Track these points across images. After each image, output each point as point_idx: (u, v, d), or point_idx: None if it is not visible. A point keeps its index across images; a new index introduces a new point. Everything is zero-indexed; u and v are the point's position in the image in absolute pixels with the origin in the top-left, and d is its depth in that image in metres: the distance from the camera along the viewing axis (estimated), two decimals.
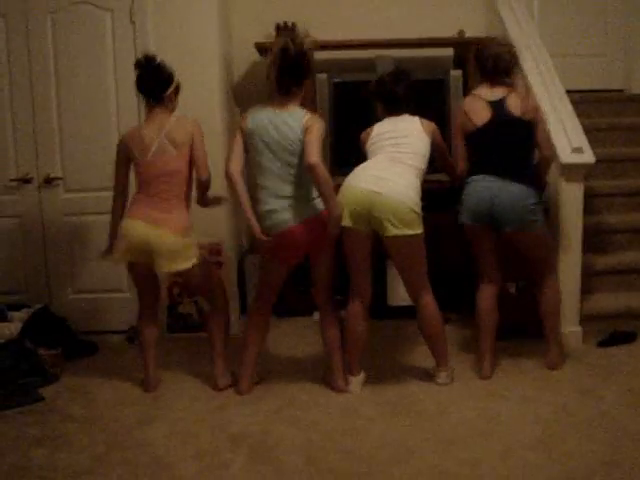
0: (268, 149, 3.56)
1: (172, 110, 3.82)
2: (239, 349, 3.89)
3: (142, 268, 3.81)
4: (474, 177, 3.93)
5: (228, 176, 3.59)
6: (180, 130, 3.71)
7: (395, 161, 3.73)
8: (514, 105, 3.88)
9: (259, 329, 3.87)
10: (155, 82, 3.74)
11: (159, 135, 3.70)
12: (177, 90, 3.85)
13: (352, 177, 3.76)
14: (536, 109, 3.99)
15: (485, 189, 3.85)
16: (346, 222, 3.67)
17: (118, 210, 3.86)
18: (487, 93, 3.94)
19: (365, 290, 3.88)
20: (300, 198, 3.58)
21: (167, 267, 3.70)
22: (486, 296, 4.02)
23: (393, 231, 3.65)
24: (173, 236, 3.66)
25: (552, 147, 4.14)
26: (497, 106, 3.88)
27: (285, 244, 3.61)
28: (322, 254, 3.72)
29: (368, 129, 3.94)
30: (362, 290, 3.87)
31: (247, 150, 3.65)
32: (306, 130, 3.49)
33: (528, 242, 3.94)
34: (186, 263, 3.72)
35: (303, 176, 3.55)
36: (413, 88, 3.90)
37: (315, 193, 3.56)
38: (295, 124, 3.52)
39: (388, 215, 3.63)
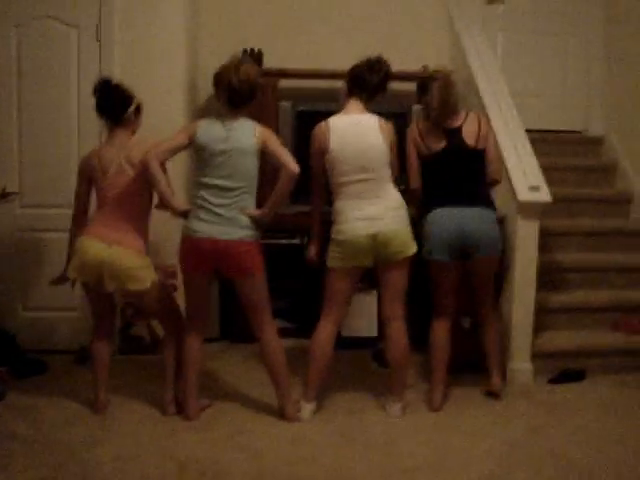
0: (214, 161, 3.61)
1: (134, 131, 3.82)
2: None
3: (97, 288, 3.76)
4: (435, 211, 3.92)
5: (147, 161, 3.57)
6: (139, 152, 3.68)
7: (371, 191, 3.72)
8: (469, 134, 3.93)
9: (197, 351, 3.82)
10: (113, 103, 3.74)
11: (118, 156, 3.69)
12: (138, 110, 3.84)
13: (346, 226, 3.72)
14: (488, 134, 4.03)
15: (451, 220, 3.87)
16: (347, 264, 3.75)
17: (77, 229, 3.82)
18: (443, 120, 3.96)
19: (343, 317, 3.92)
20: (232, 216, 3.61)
21: (118, 287, 3.67)
22: (440, 330, 4.03)
23: (396, 257, 3.73)
24: (128, 256, 3.64)
25: (501, 172, 4.19)
26: (453, 135, 3.92)
27: (194, 252, 3.62)
28: (249, 279, 3.68)
29: (322, 124, 3.82)
30: (339, 317, 3.88)
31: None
32: (264, 142, 3.62)
33: (493, 265, 4.03)
34: (140, 284, 3.69)
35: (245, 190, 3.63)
36: (386, 79, 3.84)
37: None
38: (247, 135, 3.63)
39: (391, 247, 3.71)
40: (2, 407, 3.96)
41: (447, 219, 3.88)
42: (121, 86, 3.79)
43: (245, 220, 3.60)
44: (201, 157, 3.65)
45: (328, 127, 3.78)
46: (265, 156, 3.67)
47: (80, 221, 3.84)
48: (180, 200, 3.74)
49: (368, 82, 3.79)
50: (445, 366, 4.04)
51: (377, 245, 3.70)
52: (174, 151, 3.66)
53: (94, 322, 3.91)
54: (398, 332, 3.85)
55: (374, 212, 3.70)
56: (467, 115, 4.00)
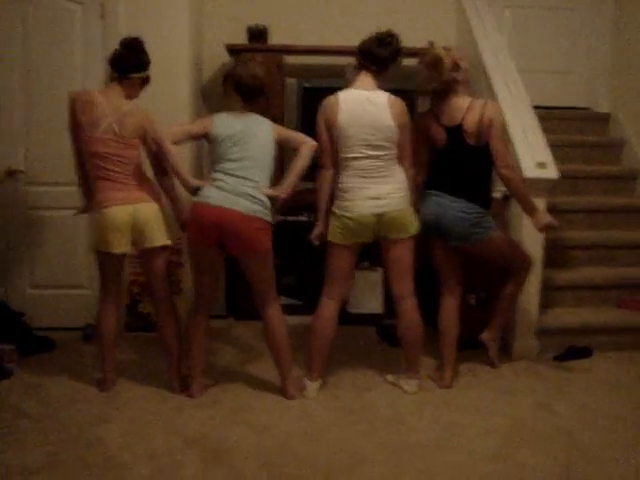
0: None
1: (129, 97, 3.78)
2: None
3: (116, 258, 3.77)
4: (427, 191, 3.94)
5: (161, 140, 3.59)
6: (134, 122, 3.68)
7: (376, 170, 3.71)
8: (469, 131, 3.80)
9: (204, 329, 3.83)
10: (135, 59, 3.73)
11: (111, 114, 3.66)
12: (144, 81, 3.82)
13: (349, 204, 3.72)
14: (491, 127, 3.78)
15: (434, 204, 3.88)
16: (347, 242, 3.76)
17: (83, 173, 3.83)
18: (444, 115, 3.87)
19: (342, 294, 3.89)
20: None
21: (161, 241, 3.74)
22: (448, 308, 4.04)
23: (400, 236, 3.74)
24: (154, 211, 3.72)
25: (508, 165, 3.82)
26: (453, 133, 3.84)
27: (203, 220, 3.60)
28: (258, 255, 3.69)
29: (332, 98, 3.77)
30: (340, 294, 3.87)
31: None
32: (278, 134, 3.70)
33: (480, 252, 3.98)
34: (160, 240, 3.74)
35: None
36: (397, 52, 3.78)
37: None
38: (262, 127, 3.67)
39: (394, 226, 3.72)
40: (10, 385, 3.99)
41: (431, 202, 3.89)
42: (146, 51, 3.79)
43: (259, 197, 3.60)
44: (217, 147, 3.65)
45: (337, 100, 3.74)
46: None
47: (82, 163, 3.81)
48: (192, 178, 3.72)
49: (377, 55, 3.74)
50: (454, 344, 4.05)
51: (382, 224, 3.71)
52: (187, 136, 3.67)
53: (102, 296, 3.90)
54: (410, 309, 3.86)
55: (380, 192, 3.69)
56: (469, 107, 3.83)
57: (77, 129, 3.72)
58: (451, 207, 3.84)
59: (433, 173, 3.98)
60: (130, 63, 3.72)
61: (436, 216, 3.86)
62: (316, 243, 3.88)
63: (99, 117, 3.64)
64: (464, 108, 3.83)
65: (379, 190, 3.70)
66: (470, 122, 3.80)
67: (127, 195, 3.67)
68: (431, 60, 3.82)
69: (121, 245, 3.70)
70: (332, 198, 3.82)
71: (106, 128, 3.64)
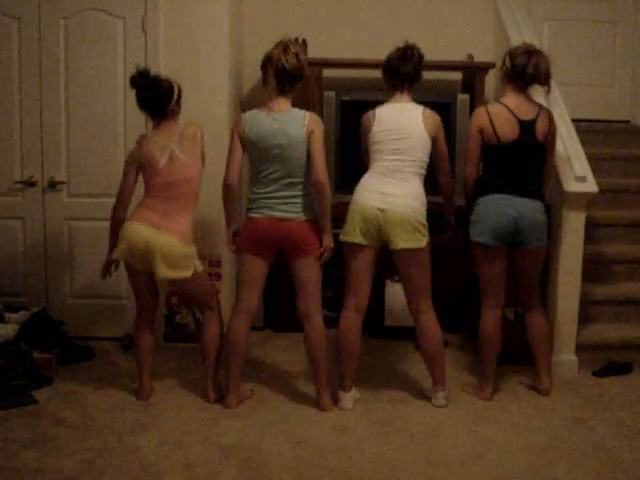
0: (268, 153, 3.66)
1: (177, 117, 3.83)
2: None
3: (142, 274, 3.81)
4: (492, 196, 3.87)
5: (228, 186, 3.69)
6: (190, 134, 3.74)
7: (397, 172, 3.73)
8: (541, 130, 3.86)
9: (244, 338, 3.84)
10: (156, 97, 3.73)
11: (169, 144, 3.71)
12: (179, 98, 3.82)
13: (358, 195, 3.77)
14: (555, 132, 4.00)
15: (508, 207, 3.82)
16: (356, 239, 3.73)
17: (118, 218, 3.84)
18: (517, 107, 3.86)
19: (365, 304, 3.87)
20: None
21: (164, 273, 3.68)
22: (491, 322, 3.98)
23: (401, 244, 3.70)
24: (174, 242, 3.67)
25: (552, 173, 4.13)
26: (526, 128, 3.83)
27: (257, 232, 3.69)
28: (309, 258, 3.71)
29: (370, 112, 3.87)
30: (362, 303, 3.86)
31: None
32: (309, 135, 3.64)
33: (539, 256, 3.97)
34: (184, 272, 3.72)
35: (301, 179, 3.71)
36: (420, 65, 3.82)
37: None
38: (296, 127, 3.65)
39: (396, 230, 3.68)
40: (49, 392, 4.03)
41: (504, 204, 3.83)
42: (159, 78, 3.77)
43: (305, 205, 3.67)
44: (252, 152, 3.69)
45: (374, 114, 3.83)
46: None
47: (122, 211, 3.83)
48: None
49: (404, 72, 3.79)
50: (496, 358, 4.02)
51: (385, 222, 3.68)
52: (241, 162, 3.73)
53: (137, 309, 3.96)
54: (428, 324, 3.84)
55: (390, 190, 3.70)
56: (541, 108, 3.92)
57: (135, 178, 3.85)
58: (526, 208, 3.83)
59: (493, 174, 3.94)
60: (157, 103, 3.76)
61: (514, 219, 3.81)
62: None
63: (159, 154, 3.75)
64: (537, 108, 3.93)
65: (390, 188, 3.71)
66: (542, 121, 3.88)
67: (153, 218, 3.71)
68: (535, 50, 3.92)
69: (137, 261, 3.75)
70: None
71: (169, 157, 3.74)
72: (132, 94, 3.74)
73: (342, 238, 3.80)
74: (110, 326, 5.01)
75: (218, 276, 4.85)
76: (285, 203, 3.64)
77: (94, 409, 3.82)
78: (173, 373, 4.36)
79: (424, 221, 3.75)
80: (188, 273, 3.73)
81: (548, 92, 3.93)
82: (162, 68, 4.56)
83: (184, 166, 3.72)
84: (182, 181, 3.72)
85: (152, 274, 3.76)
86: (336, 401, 3.87)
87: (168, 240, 3.66)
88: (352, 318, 3.84)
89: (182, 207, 3.74)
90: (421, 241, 3.73)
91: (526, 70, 3.83)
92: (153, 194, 3.75)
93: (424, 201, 3.78)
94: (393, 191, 3.70)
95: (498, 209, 3.84)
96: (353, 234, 3.74)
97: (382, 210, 3.68)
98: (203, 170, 3.82)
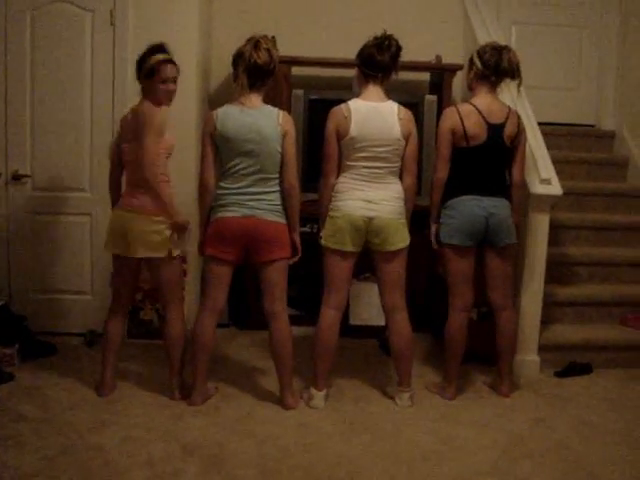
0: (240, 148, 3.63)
1: (159, 102, 3.79)
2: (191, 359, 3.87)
3: (126, 262, 3.79)
4: (461, 197, 3.88)
5: (204, 186, 3.68)
6: (150, 119, 3.68)
7: (378, 177, 3.72)
8: (508, 134, 3.87)
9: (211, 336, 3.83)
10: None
11: (134, 122, 3.71)
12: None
13: (341, 204, 3.73)
14: (524, 132, 4.01)
15: (479, 208, 3.84)
16: (347, 247, 3.74)
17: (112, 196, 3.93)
18: (488, 109, 3.86)
19: (345, 303, 3.89)
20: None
21: (141, 252, 3.68)
22: (458, 323, 3.98)
23: (391, 248, 3.74)
24: (144, 219, 3.66)
25: (523, 174, 4.09)
26: (494, 132, 3.85)
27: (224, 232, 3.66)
28: (277, 262, 3.71)
29: (343, 107, 3.74)
30: (343, 302, 3.87)
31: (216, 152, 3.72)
32: (284, 135, 3.65)
33: (509, 254, 4.00)
34: (158, 252, 3.71)
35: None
36: (397, 55, 3.74)
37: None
38: (270, 124, 3.64)
39: (384, 235, 3.72)
40: (10, 388, 3.99)
41: (475, 205, 3.84)
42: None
43: (276, 204, 3.66)
44: (224, 147, 3.66)
45: (349, 110, 3.72)
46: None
47: (115, 186, 3.92)
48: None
49: (380, 62, 3.71)
50: (460, 358, 4.04)
51: (370, 230, 3.71)
52: (214, 161, 3.70)
53: (113, 300, 3.92)
54: (400, 323, 3.86)
55: (374, 197, 3.70)
56: (510, 111, 3.93)
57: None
58: (495, 207, 3.86)
59: (462, 176, 3.92)
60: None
61: (485, 218, 3.84)
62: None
63: (127, 129, 3.77)
64: (506, 110, 3.94)
65: (373, 195, 3.71)
66: (511, 125, 3.90)
67: (130, 201, 3.72)
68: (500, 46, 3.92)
69: (118, 245, 3.75)
70: None
71: (132, 135, 3.73)
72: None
73: (326, 244, 3.78)
74: (73, 322, 4.95)
75: (184, 273, 4.82)
76: (256, 200, 3.62)
77: (56, 405, 3.78)
78: (136, 370, 4.33)
79: (405, 221, 3.81)
80: (162, 253, 3.71)
81: (520, 85, 3.91)
82: (130, 62, 4.52)
83: (132, 146, 3.72)
84: (136, 160, 3.69)
85: (135, 263, 3.79)
86: (307, 399, 3.88)
87: (138, 217, 3.68)
88: (333, 316, 3.84)
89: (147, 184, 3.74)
90: (406, 240, 3.79)
91: (500, 65, 3.83)
92: (127, 173, 3.82)
93: (403, 198, 3.80)
94: (377, 197, 3.71)
95: (468, 210, 3.86)
96: (343, 243, 3.73)
97: (370, 218, 3.70)
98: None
